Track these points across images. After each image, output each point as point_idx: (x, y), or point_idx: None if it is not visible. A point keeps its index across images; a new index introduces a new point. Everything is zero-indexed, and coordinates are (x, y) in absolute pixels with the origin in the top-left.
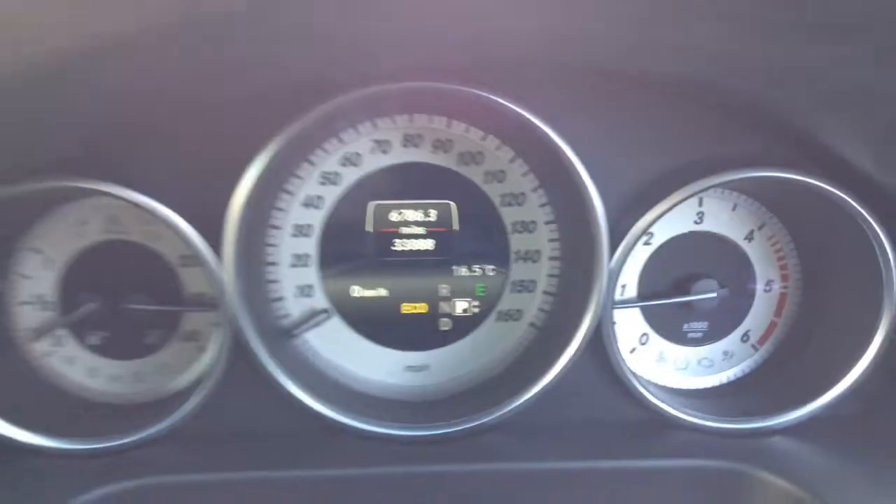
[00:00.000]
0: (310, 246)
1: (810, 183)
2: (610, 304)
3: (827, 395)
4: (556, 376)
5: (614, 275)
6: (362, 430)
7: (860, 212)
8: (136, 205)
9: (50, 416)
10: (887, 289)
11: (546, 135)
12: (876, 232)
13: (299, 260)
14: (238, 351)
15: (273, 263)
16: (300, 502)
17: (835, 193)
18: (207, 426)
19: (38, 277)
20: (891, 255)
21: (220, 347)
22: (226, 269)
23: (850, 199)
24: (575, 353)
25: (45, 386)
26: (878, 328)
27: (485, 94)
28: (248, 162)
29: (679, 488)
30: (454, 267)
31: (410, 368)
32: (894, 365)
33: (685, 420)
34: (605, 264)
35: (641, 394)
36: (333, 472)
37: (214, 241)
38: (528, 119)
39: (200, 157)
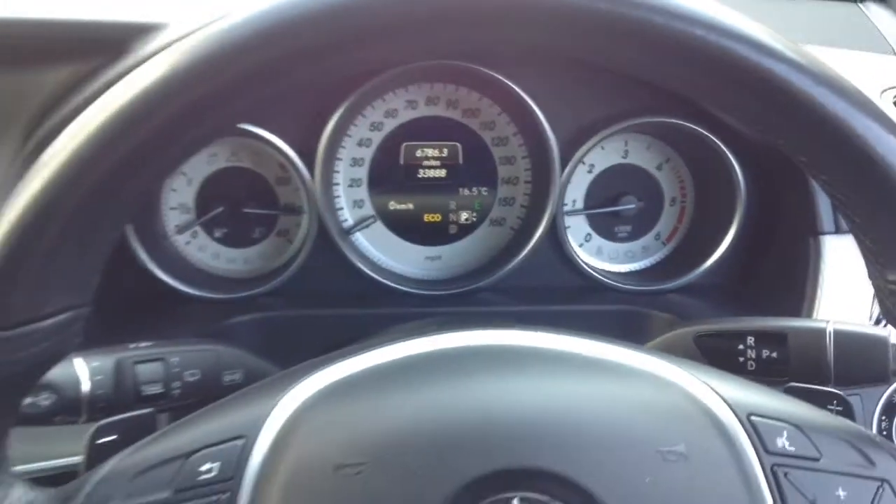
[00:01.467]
0: (362, 173)
1: (692, 128)
2: (562, 213)
3: (702, 267)
4: (524, 257)
5: (563, 190)
6: (401, 291)
7: (723, 149)
8: (258, 139)
9: (194, 281)
10: (738, 201)
11: (520, 96)
12: (732, 162)
13: (354, 182)
14: (321, 242)
15: (337, 184)
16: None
17: (708, 136)
18: (298, 288)
19: (182, 191)
20: (741, 178)
21: (306, 240)
22: (316, 185)
23: (718, 141)
24: (536, 243)
25: (188, 264)
26: (733, 223)
27: (481, 69)
28: (331, 114)
29: (601, 321)
30: (460, 189)
31: (428, 258)
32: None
33: (611, 285)
34: (557, 182)
35: (584, 269)
36: (381, 311)
37: (308, 165)
38: (507, 85)
39: (304, 107)
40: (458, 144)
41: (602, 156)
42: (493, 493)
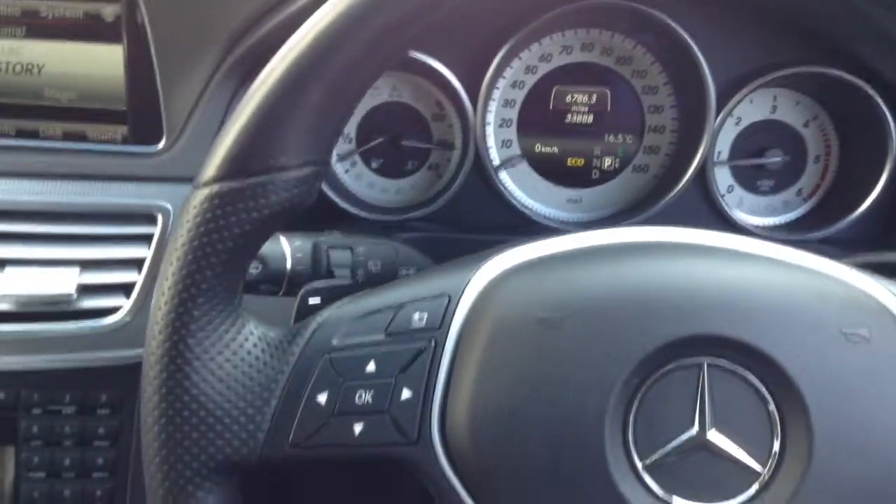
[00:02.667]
0: (513, 113)
1: (848, 80)
2: (712, 162)
3: (850, 217)
4: (668, 202)
5: (714, 139)
6: (544, 226)
7: (876, 101)
8: (420, 73)
9: (352, 204)
10: (889, 153)
11: (680, 37)
12: (885, 114)
13: (504, 122)
14: (469, 177)
15: (488, 123)
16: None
17: (862, 89)
18: (447, 218)
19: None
20: (893, 130)
21: (456, 174)
22: (477, 121)
23: (872, 93)
24: (682, 190)
25: (345, 191)
26: (882, 175)
27: (644, 8)
28: (494, 53)
29: None
30: (605, 135)
31: (569, 200)
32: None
33: (755, 234)
34: (709, 131)
35: (730, 218)
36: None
37: (473, 99)
38: (668, 27)
39: (470, 45)
40: (607, 91)
41: (750, 109)
42: (683, 357)
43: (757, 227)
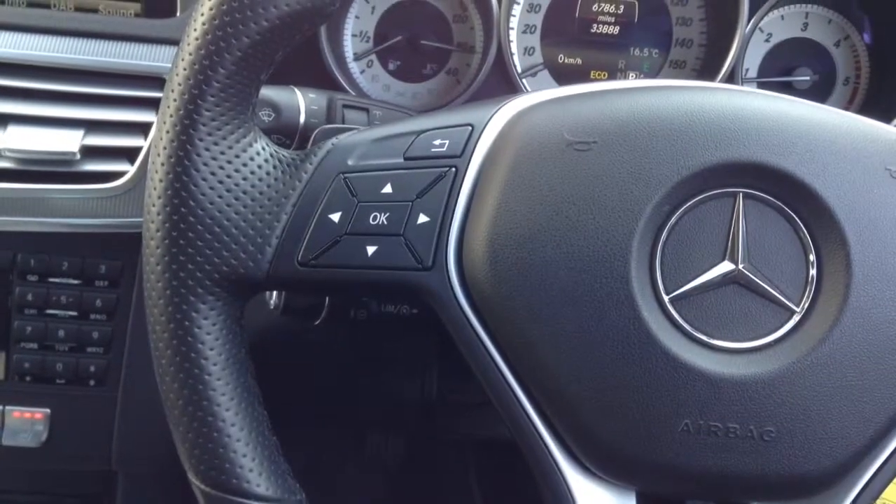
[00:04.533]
0: (536, 20)
1: None
2: (740, 77)
3: None
4: None
5: (742, 53)
6: None
7: None
8: None
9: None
10: None
11: None
12: None
13: (528, 28)
14: (489, 81)
15: (511, 28)
16: None
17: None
18: None
19: (364, 18)
20: None
21: (479, 78)
22: (494, 24)
23: None
24: None
25: (361, 93)
26: None
27: None
28: None
29: None
30: (631, 48)
31: None
32: None
33: None
34: (738, 44)
35: None
36: None
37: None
38: None
39: None
40: (635, 2)
41: (781, 26)
42: (718, 185)
43: None
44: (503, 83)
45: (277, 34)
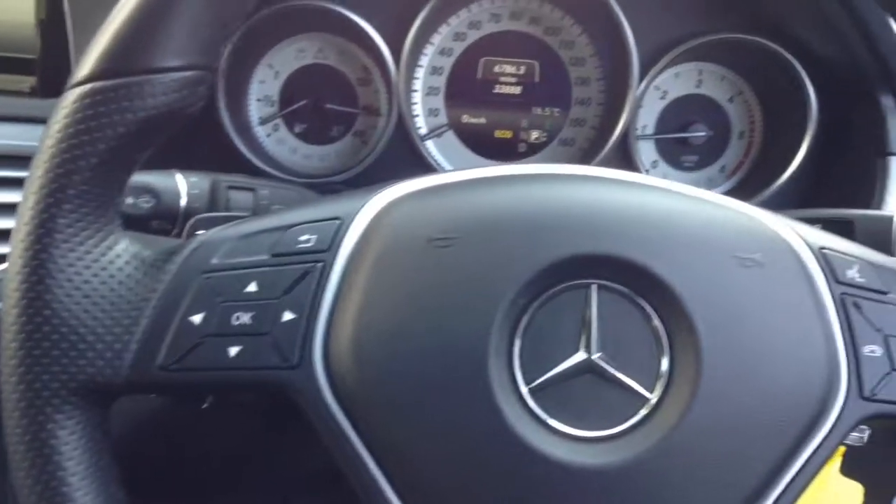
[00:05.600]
0: (440, 81)
1: (768, 47)
2: (633, 135)
3: (770, 189)
4: None
5: (636, 111)
6: None
7: (796, 68)
8: (345, 35)
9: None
10: (809, 123)
11: (610, 14)
12: (804, 82)
13: (432, 90)
14: (395, 144)
15: (415, 90)
16: None
17: (782, 56)
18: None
19: (268, 82)
20: (813, 98)
21: (381, 140)
22: (401, 87)
23: (792, 58)
24: (603, 161)
25: (267, 156)
26: (802, 146)
27: None
28: (412, 22)
29: None
30: (533, 107)
31: None
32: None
33: None
34: (631, 99)
35: None
36: None
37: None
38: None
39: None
40: (535, 62)
41: (676, 83)
42: (571, 278)
43: None
44: (408, 145)
45: (136, 139)
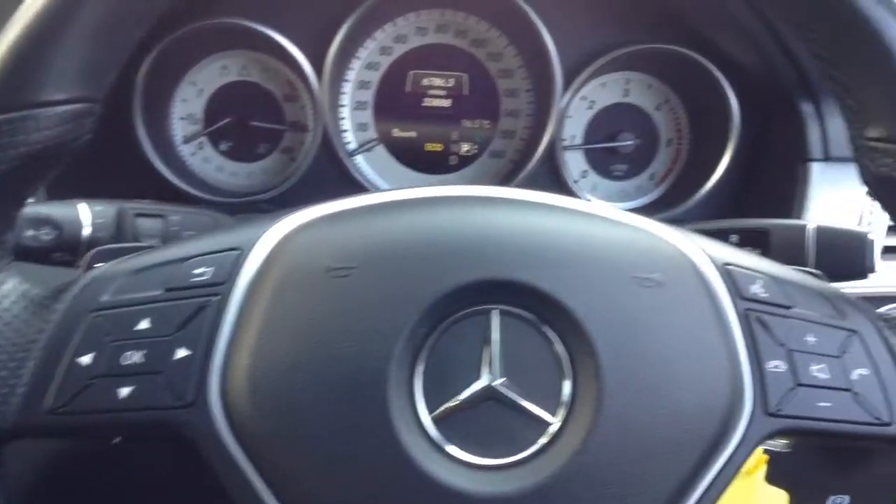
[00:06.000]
0: (368, 96)
1: (691, 57)
2: (559, 145)
3: (695, 197)
4: (516, 184)
5: (561, 121)
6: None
7: (718, 77)
8: (268, 51)
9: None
10: (732, 132)
11: (527, 17)
12: (726, 91)
13: (360, 105)
14: (323, 160)
15: (343, 105)
16: None
17: (705, 66)
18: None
19: (192, 101)
20: (735, 107)
21: (308, 157)
22: (324, 102)
23: (714, 68)
24: (530, 174)
25: (192, 176)
26: (725, 154)
27: None
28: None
29: None
30: (462, 120)
31: (429, 186)
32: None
33: None
34: (556, 110)
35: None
36: None
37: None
38: (516, 6)
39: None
40: (464, 75)
41: (603, 93)
42: (472, 304)
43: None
44: (335, 161)
45: (22, 175)
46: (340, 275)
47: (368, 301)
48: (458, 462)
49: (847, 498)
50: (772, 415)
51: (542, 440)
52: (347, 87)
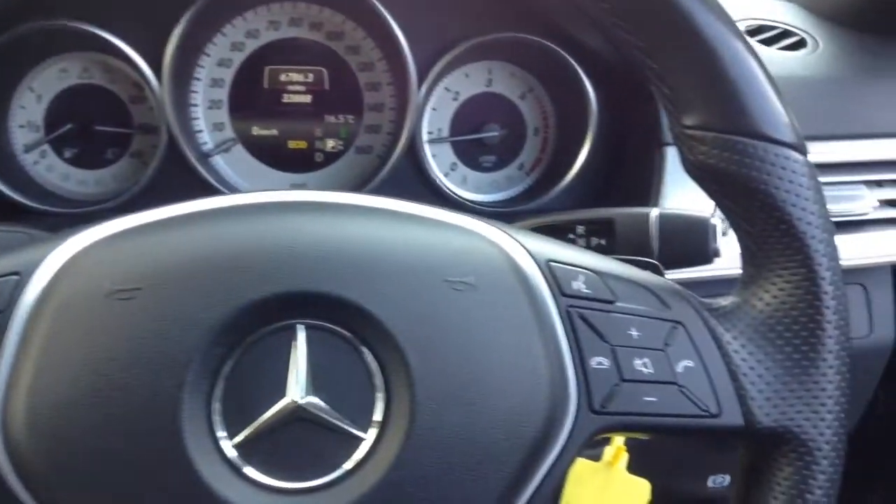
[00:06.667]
0: (222, 94)
1: (546, 46)
2: (421, 139)
3: (558, 187)
4: (380, 183)
5: (421, 114)
6: None
7: (574, 66)
8: (108, 52)
9: (38, 198)
10: (590, 121)
11: (378, 11)
12: (583, 79)
13: (214, 104)
14: (176, 164)
15: (195, 105)
16: None
17: (560, 54)
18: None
19: (31, 108)
20: (592, 95)
21: (156, 160)
22: (166, 103)
23: (568, 57)
24: (393, 170)
25: (36, 186)
26: (585, 144)
27: None
28: (170, 31)
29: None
30: (325, 115)
31: (293, 186)
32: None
33: (473, 209)
34: (413, 107)
35: (447, 194)
36: None
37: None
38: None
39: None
40: (323, 69)
41: (466, 83)
42: (274, 319)
43: (482, 203)
44: (192, 162)
45: None
46: (124, 297)
47: (156, 324)
48: (263, 488)
49: (727, 477)
50: (597, 413)
51: (355, 458)
52: (199, 86)
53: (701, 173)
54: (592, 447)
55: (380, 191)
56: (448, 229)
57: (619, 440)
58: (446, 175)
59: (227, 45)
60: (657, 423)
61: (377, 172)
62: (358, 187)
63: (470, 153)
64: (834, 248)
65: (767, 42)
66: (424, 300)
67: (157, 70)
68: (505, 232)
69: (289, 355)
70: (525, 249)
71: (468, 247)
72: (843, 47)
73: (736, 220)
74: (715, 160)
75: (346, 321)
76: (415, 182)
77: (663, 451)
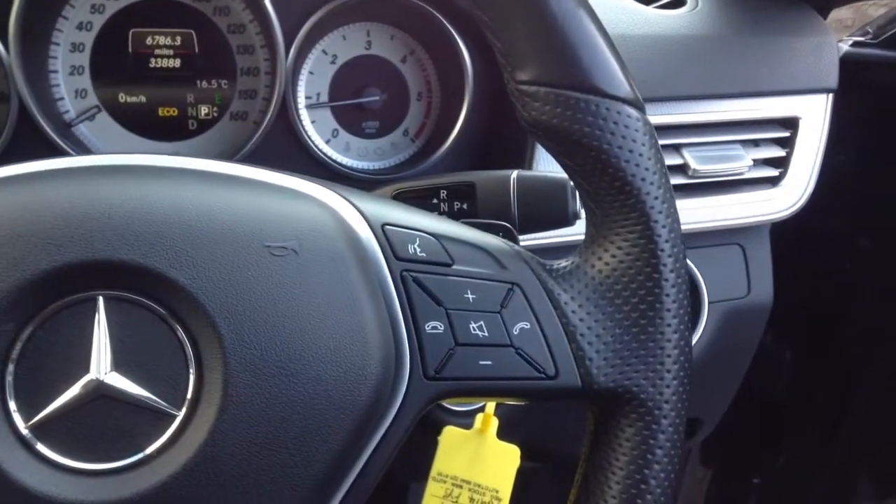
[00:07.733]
0: (83, 59)
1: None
2: (294, 104)
3: (436, 154)
4: (254, 150)
5: (294, 78)
6: None
7: (448, 28)
8: None
9: None
10: (466, 87)
11: None
12: (457, 41)
13: (75, 70)
14: (33, 133)
15: (55, 71)
16: None
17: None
18: None
19: None
20: (467, 57)
21: (6, 130)
22: (13, 68)
23: (446, 22)
24: (265, 136)
25: None
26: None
27: None
28: None
29: None
30: (197, 81)
31: (164, 154)
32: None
33: (354, 176)
34: (281, 71)
35: (326, 162)
36: None
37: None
38: None
39: None
40: (192, 32)
41: (344, 46)
42: (71, 291)
43: (365, 171)
44: (48, 131)
45: None
46: None
47: None
48: (65, 470)
49: None
50: (432, 378)
51: (166, 435)
52: (58, 51)
53: (537, 130)
54: (464, 417)
55: (252, 159)
56: (274, 192)
57: (490, 407)
58: (328, 142)
59: (87, 7)
60: (494, 387)
61: (251, 139)
62: (232, 155)
63: (351, 119)
64: (672, 206)
65: (646, 0)
66: (239, 267)
67: (3, 34)
68: (341, 195)
69: (90, 329)
70: (360, 213)
71: (294, 210)
72: (722, 5)
73: (575, 178)
74: (548, 116)
75: (152, 291)
76: (291, 149)
77: (535, 416)
